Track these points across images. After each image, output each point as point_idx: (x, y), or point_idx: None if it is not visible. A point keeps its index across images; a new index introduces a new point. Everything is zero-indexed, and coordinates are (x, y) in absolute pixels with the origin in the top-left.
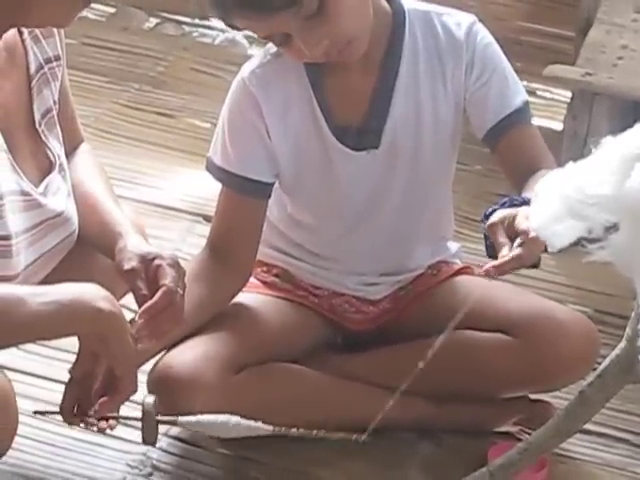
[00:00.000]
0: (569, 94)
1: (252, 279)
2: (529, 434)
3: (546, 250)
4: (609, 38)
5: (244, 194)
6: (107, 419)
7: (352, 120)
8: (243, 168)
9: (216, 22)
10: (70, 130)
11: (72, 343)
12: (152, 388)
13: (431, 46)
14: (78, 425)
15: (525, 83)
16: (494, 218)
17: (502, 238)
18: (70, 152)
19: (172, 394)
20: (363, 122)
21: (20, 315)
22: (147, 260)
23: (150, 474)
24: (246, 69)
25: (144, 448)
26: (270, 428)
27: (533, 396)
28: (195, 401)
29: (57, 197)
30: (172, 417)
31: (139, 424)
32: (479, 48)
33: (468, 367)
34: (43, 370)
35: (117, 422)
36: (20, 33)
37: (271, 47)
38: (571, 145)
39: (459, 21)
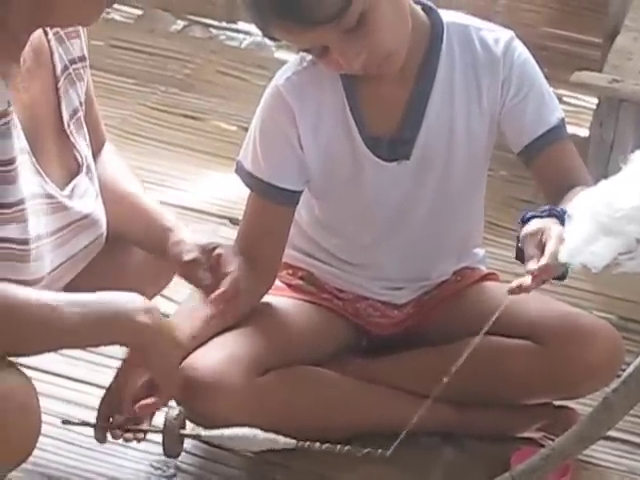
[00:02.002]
0: (595, 101)
1: (277, 282)
2: (552, 440)
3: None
4: (636, 45)
5: (272, 201)
6: (134, 431)
7: (385, 131)
8: (273, 176)
9: (243, 25)
10: (95, 131)
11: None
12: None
13: (468, 60)
14: (104, 441)
15: (552, 89)
16: (531, 227)
17: (532, 250)
18: (95, 153)
19: (196, 396)
20: (396, 133)
21: (59, 326)
22: (207, 250)
23: (174, 475)
24: (281, 76)
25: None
26: (293, 442)
27: (557, 402)
28: (219, 403)
29: (85, 199)
30: (195, 432)
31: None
32: (516, 64)
33: (493, 373)
34: (73, 372)
35: (144, 435)
36: (45, 34)
37: (306, 55)
38: (597, 152)
39: (497, 37)
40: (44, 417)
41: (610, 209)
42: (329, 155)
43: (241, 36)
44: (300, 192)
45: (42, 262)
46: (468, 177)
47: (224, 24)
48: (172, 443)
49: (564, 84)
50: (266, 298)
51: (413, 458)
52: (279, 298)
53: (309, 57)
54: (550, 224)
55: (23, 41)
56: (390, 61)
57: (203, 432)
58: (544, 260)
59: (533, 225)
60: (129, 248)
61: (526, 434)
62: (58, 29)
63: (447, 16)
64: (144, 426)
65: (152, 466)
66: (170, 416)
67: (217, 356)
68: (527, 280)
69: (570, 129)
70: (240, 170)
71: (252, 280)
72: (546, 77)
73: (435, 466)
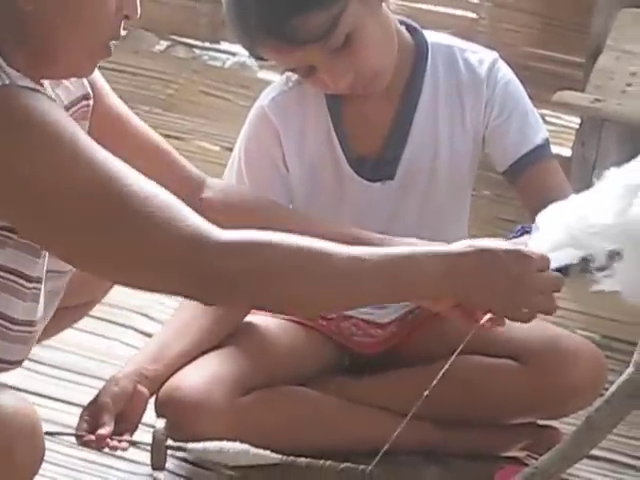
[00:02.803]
0: (578, 120)
1: None
2: (536, 459)
3: None
4: (619, 65)
5: None
6: (119, 441)
7: (369, 151)
8: (257, 193)
9: (226, 45)
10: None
11: (84, 366)
12: (159, 409)
13: (452, 81)
14: (90, 446)
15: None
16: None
17: None
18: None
19: (179, 416)
20: (380, 152)
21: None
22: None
23: None
24: (266, 96)
25: (151, 470)
26: (278, 457)
27: (541, 422)
28: (202, 423)
29: None
30: (181, 444)
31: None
32: (500, 85)
33: (476, 392)
34: (51, 391)
35: (128, 444)
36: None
37: (292, 75)
38: (579, 171)
39: (482, 58)
40: None
41: (583, 223)
42: (313, 175)
43: (224, 56)
44: None
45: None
46: (451, 196)
47: (207, 44)
48: (159, 455)
49: (546, 104)
50: (250, 318)
51: (396, 477)
52: (262, 317)
53: (294, 77)
54: (518, 241)
55: None
56: (376, 80)
57: (189, 445)
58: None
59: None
60: None
61: (510, 453)
62: None
63: (431, 37)
64: (131, 438)
65: None
66: (158, 429)
67: (200, 376)
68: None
69: (552, 149)
70: None
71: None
72: (529, 97)
73: None
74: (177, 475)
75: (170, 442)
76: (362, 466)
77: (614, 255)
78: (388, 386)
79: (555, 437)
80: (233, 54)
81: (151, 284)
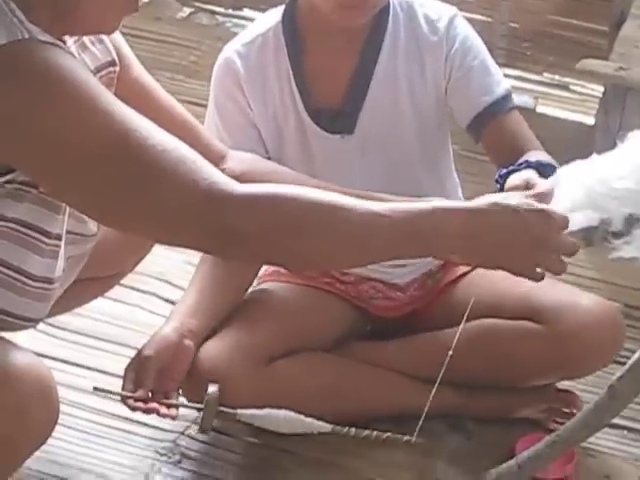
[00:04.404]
0: (601, 88)
1: (279, 268)
2: (557, 422)
3: None
4: None
5: None
6: (169, 406)
7: (329, 103)
8: (237, 147)
9: (249, 12)
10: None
11: (106, 332)
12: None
13: (412, 36)
14: (139, 409)
15: (558, 77)
16: (514, 181)
17: None
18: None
19: (203, 387)
20: (339, 106)
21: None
22: None
23: (179, 461)
24: (229, 48)
25: (173, 436)
26: (329, 427)
27: (560, 386)
28: (227, 394)
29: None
30: (231, 410)
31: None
32: (459, 39)
33: (495, 355)
34: (72, 356)
35: (177, 409)
36: (64, 42)
37: (255, 27)
38: (603, 139)
39: (441, 13)
40: None
41: (604, 187)
42: (277, 124)
43: (247, 23)
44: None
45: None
46: (424, 151)
47: (230, 11)
48: (209, 419)
49: (570, 72)
50: (269, 285)
51: (419, 445)
52: (281, 284)
53: (257, 30)
54: (533, 175)
55: None
56: (372, 10)
57: (239, 411)
58: (546, 185)
59: (516, 179)
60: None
61: (531, 416)
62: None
63: None
64: (182, 401)
65: (158, 452)
66: (212, 393)
67: (223, 346)
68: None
69: (576, 117)
70: None
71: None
72: (552, 64)
73: (442, 453)
74: (199, 441)
75: (222, 408)
76: (406, 437)
77: (633, 221)
78: (409, 351)
79: (574, 401)
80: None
81: (166, 235)
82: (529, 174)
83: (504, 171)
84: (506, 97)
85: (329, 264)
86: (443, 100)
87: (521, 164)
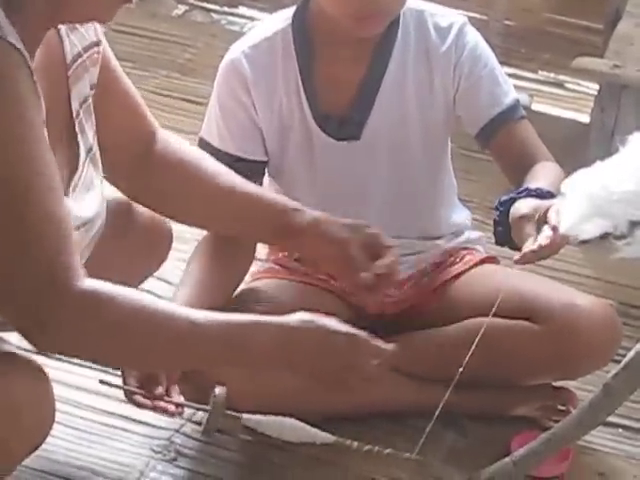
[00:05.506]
0: (597, 86)
1: (273, 265)
2: (552, 420)
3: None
4: (638, 31)
5: (241, 174)
6: (176, 405)
7: (336, 109)
8: (238, 148)
9: (244, 10)
10: (134, 116)
11: None
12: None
13: (422, 45)
14: (146, 407)
15: (553, 75)
16: (524, 209)
17: (530, 230)
18: (147, 142)
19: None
20: (347, 113)
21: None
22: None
23: (174, 459)
24: (236, 49)
25: (168, 433)
26: (332, 438)
27: (556, 384)
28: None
29: (86, 199)
30: (237, 413)
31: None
32: (468, 47)
33: (491, 354)
34: None
35: (182, 409)
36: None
37: (261, 30)
38: (598, 138)
39: (451, 22)
40: None
41: (606, 192)
42: (282, 129)
43: (242, 20)
44: (265, 162)
45: None
46: (428, 159)
47: (225, 9)
48: (215, 421)
49: (565, 70)
50: (264, 282)
51: (415, 443)
52: (276, 281)
53: (264, 32)
54: (543, 204)
55: (39, 39)
56: (385, 21)
57: (245, 415)
58: (562, 230)
59: (524, 207)
60: (122, 229)
61: (525, 414)
62: None
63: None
64: (183, 401)
65: (153, 450)
66: (219, 394)
67: None
68: (534, 247)
69: (571, 115)
70: (205, 147)
71: (231, 257)
72: (547, 62)
73: (437, 451)
74: (194, 439)
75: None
76: (407, 454)
77: (637, 223)
78: (406, 348)
79: (570, 399)
80: (251, 18)
81: None
82: (535, 202)
83: (504, 198)
84: (514, 107)
85: (143, 367)
86: (451, 108)
87: (521, 192)
